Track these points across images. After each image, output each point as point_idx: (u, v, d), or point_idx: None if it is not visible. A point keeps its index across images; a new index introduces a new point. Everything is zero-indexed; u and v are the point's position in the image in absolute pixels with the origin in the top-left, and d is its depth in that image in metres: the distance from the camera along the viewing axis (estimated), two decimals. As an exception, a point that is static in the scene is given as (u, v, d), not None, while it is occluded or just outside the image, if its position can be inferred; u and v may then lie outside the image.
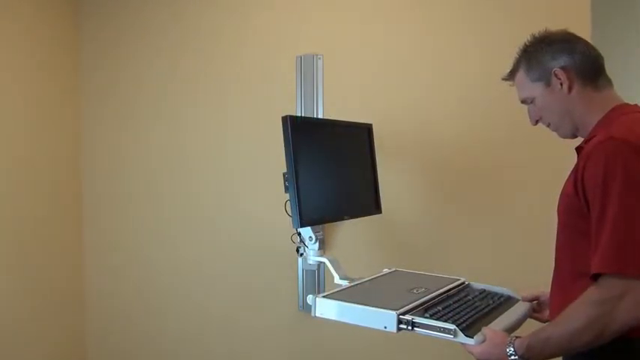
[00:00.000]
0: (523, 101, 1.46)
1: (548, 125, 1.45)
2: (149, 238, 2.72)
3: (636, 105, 1.39)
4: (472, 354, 1.31)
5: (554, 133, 1.48)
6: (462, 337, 1.30)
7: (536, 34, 1.43)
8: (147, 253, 2.73)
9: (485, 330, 1.33)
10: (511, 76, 1.47)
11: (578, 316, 1.20)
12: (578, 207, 1.27)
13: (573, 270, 1.32)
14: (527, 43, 1.43)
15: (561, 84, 1.36)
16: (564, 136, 1.45)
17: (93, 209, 2.83)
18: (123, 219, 2.77)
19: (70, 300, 2.78)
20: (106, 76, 2.78)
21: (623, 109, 1.35)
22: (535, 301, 1.61)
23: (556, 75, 1.36)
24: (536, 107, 1.43)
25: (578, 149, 1.39)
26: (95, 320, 2.84)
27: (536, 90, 1.41)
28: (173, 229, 2.67)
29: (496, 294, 1.65)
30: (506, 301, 1.60)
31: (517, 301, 1.62)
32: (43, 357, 2.62)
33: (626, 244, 1.17)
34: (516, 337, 1.28)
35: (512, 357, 1.25)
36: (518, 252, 2.16)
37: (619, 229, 1.17)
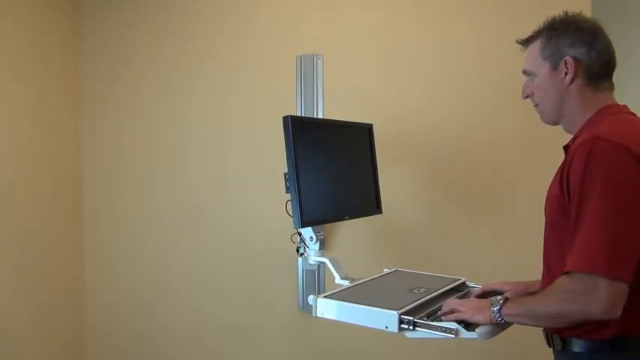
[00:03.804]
0: (525, 71, 1.45)
1: (537, 105, 1.45)
2: (149, 238, 2.72)
3: (625, 106, 1.39)
4: (456, 309, 1.39)
5: (555, 133, 1.48)
6: (464, 333, 1.32)
7: (569, 14, 1.40)
8: (147, 253, 2.73)
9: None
10: (527, 42, 1.45)
11: (551, 304, 1.25)
12: (563, 206, 1.28)
13: (561, 268, 1.32)
14: (557, 19, 1.40)
15: (566, 73, 1.36)
16: (547, 122, 1.46)
17: (93, 209, 2.83)
18: (123, 219, 2.77)
19: (70, 300, 2.78)
20: (105, 77, 2.78)
21: (611, 108, 1.36)
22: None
23: (566, 63, 1.35)
24: (533, 84, 1.42)
25: (566, 148, 1.39)
26: (95, 320, 2.84)
27: (541, 68, 1.40)
28: (173, 230, 2.67)
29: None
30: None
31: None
32: (43, 357, 2.62)
33: (601, 243, 1.17)
34: (506, 298, 1.35)
35: (495, 308, 1.32)
36: (518, 252, 2.17)
37: (594, 229, 1.18)
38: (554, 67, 1.37)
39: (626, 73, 2.79)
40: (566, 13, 1.41)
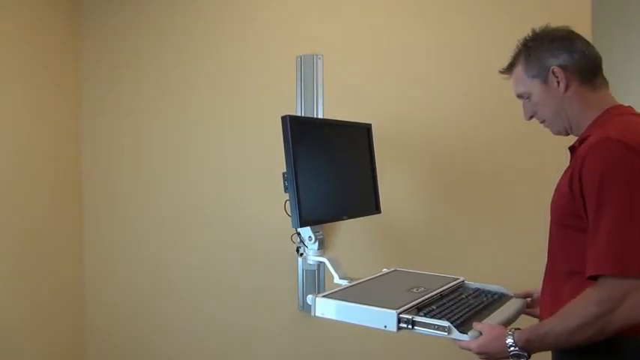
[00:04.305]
0: (519, 96, 1.47)
1: (543, 122, 1.46)
2: (149, 238, 2.72)
3: (630, 107, 1.39)
4: (469, 350, 1.31)
5: (555, 134, 1.48)
6: (456, 334, 1.31)
7: (537, 30, 1.43)
8: (147, 253, 2.73)
9: (480, 325, 1.34)
10: (509, 69, 1.47)
11: (580, 314, 1.20)
12: (572, 206, 1.27)
13: (566, 269, 1.32)
14: (528, 38, 1.43)
15: (558, 82, 1.37)
16: (557, 133, 1.46)
17: (93, 209, 2.83)
18: (123, 219, 2.77)
19: (70, 300, 2.78)
20: (105, 77, 2.78)
21: (617, 110, 1.36)
22: (528, 298, 1.63)
23: (554, 73, 1.36)
24: (532, 103, 1.43)
25: (572, 149, 1.40)
26: (95, 320, 2.84)
27: (532, 86, 1.41)
28: (173, 230, 2.67)
29: (489, 292, 1.67)
30: (500, 299, 1.62)
31: (510, 298, 1.64)
32: (43, 357, 2.62)
33: (627, 244, 1.16)
34: (516, 328, 1.29)
35: (512, 348, 1.25)
36: (518, 252, 2.17)
37: (619, 229, 1.17)
38: (545, 80, 1.38)
39: (626, 75, 2.80)
40: (534, 31, 1.43)
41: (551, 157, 1.96)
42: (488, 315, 1.47)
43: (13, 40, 2.48)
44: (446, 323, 1.31)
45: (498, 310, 1.51)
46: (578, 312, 1.20)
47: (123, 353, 2.80)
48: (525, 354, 1.25)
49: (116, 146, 2.77)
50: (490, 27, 2.21)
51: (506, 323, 1.45)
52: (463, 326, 1.34)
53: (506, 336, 1.27)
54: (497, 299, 1.61)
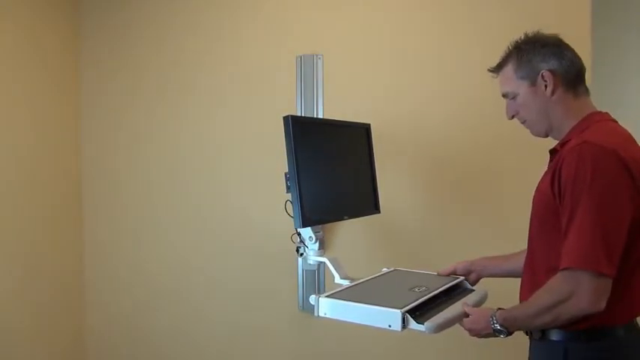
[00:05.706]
0: (504, 95, 1.52)
1: (524, 122, 1.52)
2: (149, 238, 2.72)
3: (607, 113, 1.46)
4: (464, 327, 1.46)
5: (534, 135, 1.54)
6: (413, 324, 1.38)
7: (530, 34, 1.48)
8: (147, 253, 2.73)
9: (468, 308, 1.49)
10: (498, 68, 1.52)
11: (539, 302, 1.33)
12: (553, 205, 1.35)
13: (546, 266, 1.39)
14: (520, 41, 1.48)
15: (546, 86, 1.42)
16: (537, 135, 1.53)
17: (93, 209, 2.83)
18: (123, 219, 2.77)
19: (70, 300, 2.78)
20: (105, 76, 2.78)
21: (596, 116, 1.44)
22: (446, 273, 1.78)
23: (543, 77, 1.42)
24: (516, 103, 1.49)
25: (553, 151, 1.47)
26: (95, 320, 2.84)
27: (520, 87, 1.46)
28: (173, 230, 2.67)
29: (455, 286, 1.72)
30: (463, 292, 1.68)
31: (471, 291, 1.71)
32: (43, 357, 2.62)
33: (588, 241, 1.25)
34: (499, 308, 1.41)
35: (495, 324, 1.39)
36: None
37: (582, 228, 1.25)
38: (533, 83, 1.44)
39: (625, 75, 2.81)
40: (526, 35, 1.49)
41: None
42: (446, 307, 1.53)
43: (13, 40, 2.48)
44: (403, 313, 1.37)
45: (457, 303, 1.56)
46: (537, 301, 1.33)
47: (123, 353, 2.80)
48: (505, 330, 1.39)
49: (116, 146, 2.77)
50: (490, 27, 2.21)
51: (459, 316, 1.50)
52: (420, 318, 1.40)
53: (491, 316, 1.40)
54: (460, 292, 1.68)
